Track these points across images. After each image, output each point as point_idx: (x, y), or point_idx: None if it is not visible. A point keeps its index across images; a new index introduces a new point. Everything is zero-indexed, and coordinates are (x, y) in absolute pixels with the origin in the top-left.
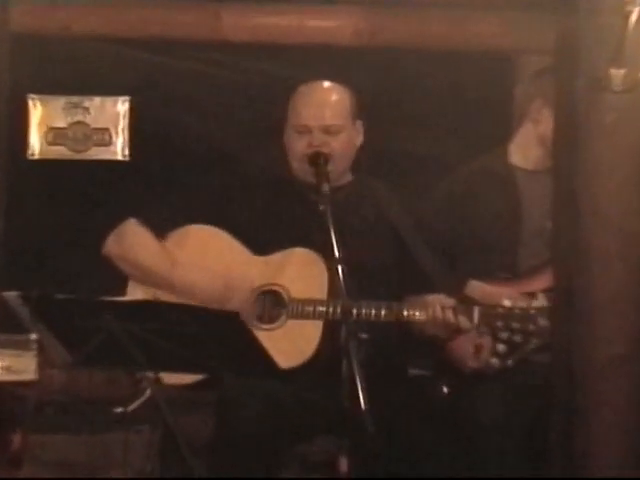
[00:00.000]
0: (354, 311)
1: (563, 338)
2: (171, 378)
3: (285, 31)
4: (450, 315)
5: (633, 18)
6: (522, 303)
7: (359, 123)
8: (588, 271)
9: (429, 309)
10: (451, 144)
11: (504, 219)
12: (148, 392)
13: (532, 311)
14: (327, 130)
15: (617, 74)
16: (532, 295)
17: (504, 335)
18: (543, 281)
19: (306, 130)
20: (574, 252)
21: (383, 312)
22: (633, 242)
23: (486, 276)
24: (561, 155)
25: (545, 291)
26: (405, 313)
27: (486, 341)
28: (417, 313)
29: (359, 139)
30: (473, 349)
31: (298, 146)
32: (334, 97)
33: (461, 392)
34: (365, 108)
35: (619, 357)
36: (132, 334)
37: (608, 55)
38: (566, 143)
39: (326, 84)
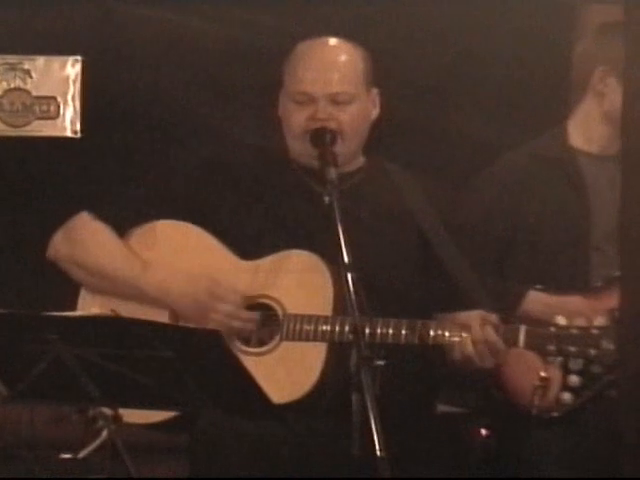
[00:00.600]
0: (367, 331)
1: (632, 367)
2: (133, 416)
3: None
4: (491, 333)
5: None
6: (581, 321)
7: (375, 91)
8: None
9: (463, 329)
10: (492, 120)
11: (568, 217)
12: (104, 433)
13: (594, 331)
14: (335, 99)
15: None
16: (609, 313)
17: (577, 364)
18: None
19: (308, 99)
20: None
21: (404, 332)
22: None
23: (550, 288)
24: (630, 136)
25: None
26: (432, 333)
27: (553, 372)
28: (447, 334)
29: (375, 111)
30: (538, 382)
31: (297, 120)
32: (343, 58)
33: (507, 436)
34: (381, 72)
35: None
36: (84, 359)
37: None
38: (636, 120)
39: (333, 41)
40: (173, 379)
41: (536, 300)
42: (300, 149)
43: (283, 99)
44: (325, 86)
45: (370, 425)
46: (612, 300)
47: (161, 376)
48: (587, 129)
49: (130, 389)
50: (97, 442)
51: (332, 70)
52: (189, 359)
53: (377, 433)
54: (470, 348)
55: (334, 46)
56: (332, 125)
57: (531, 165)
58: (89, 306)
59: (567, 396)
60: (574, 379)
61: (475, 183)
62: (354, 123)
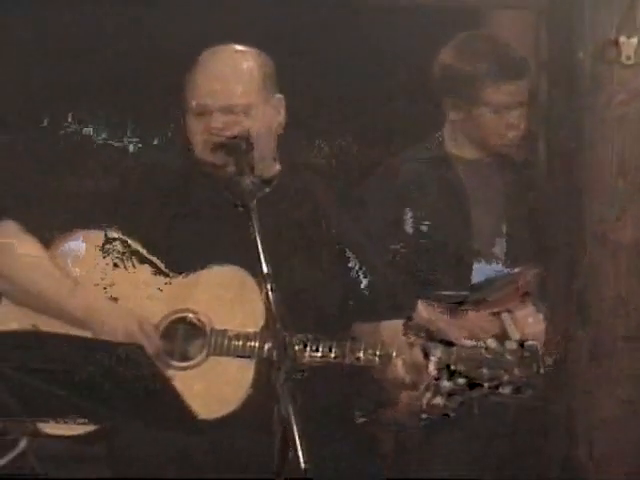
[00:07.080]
0: (296, 348)
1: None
2: (54, 427)
3: None
4: (419, 355)
5: None
6: (495, 345)
7: (278, 97)
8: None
9: (391, 348)
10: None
11: (450, 221)
12: (22, 444)
13: (508, 356)
14: (230, 110)
15: (628, 43)
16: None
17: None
18: (505, 301)
19: (204, 111)
20: (570, 297)
21: (333, 353)
22: None
23: (436, 296)
24: (556, 145)
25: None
26: (361, 355)
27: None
28: (377, 353)
29: (279, 118)
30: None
31: (196, 132)
32: (241, 66)
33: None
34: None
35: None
36: (2, 374)
37: (616, 20)
38: (564, 129)
39: (231, 49)
40: (93, 392)
41: (424, 311)
42: (205, 161)
43: (187, 112)
44: (219, 97)
45: (294, 439)
46: (496, 305)
47: (81, 389)
48: (455, 137)
49: (50, 402)
50: (13, 453)
51: (227, 81)
52: (109, 373)
53: (300, 446)
54: (401, 371)
55: (232, 55)
56: (229, 134)
57: (411, 171)
58: (9, 320)
59: (438, 400)
60: (446, 384)
61: (359, 192)
62: (252, 132)
